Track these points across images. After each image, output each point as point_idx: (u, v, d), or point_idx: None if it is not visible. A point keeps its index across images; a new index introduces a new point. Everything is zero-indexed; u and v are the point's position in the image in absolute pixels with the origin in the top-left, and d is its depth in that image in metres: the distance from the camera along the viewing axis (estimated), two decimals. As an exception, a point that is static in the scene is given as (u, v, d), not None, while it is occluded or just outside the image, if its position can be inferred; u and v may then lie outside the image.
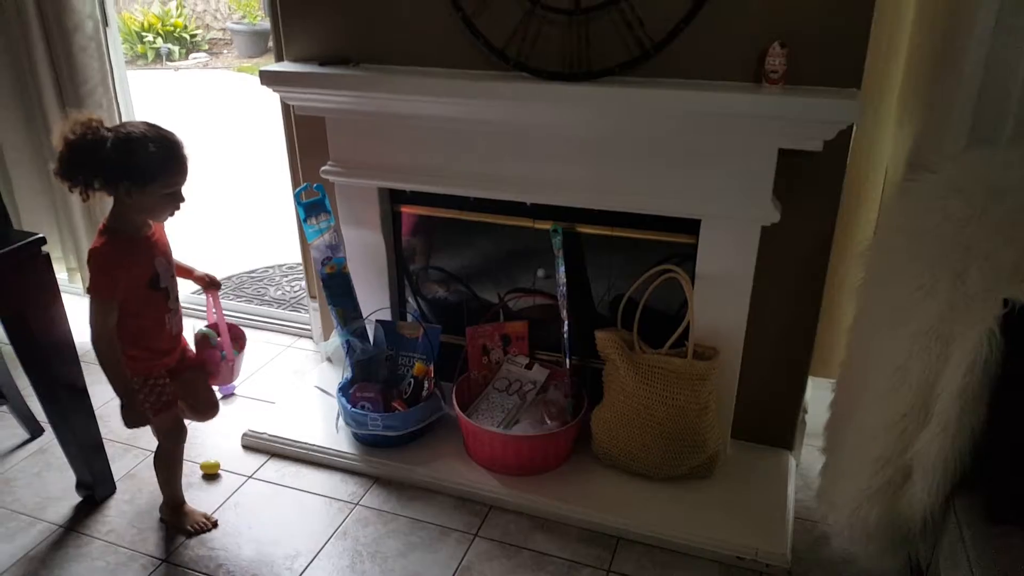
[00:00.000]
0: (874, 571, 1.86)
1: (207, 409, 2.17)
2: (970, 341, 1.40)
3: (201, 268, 2.13)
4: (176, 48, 9.46)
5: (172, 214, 1.86)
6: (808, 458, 2.25)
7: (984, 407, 1.42)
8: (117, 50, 2.86)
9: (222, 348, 2.12)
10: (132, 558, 1.99)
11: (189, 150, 1.81)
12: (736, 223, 1.98)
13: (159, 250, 1.91)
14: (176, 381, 2.02)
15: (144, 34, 9.29)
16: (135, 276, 1.84)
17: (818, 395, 2.22)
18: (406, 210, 2.39)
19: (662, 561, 1.95)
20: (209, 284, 2.13)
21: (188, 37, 9.63)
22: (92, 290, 1.80)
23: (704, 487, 2.12)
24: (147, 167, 1.73)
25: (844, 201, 1.97)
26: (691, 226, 2.04)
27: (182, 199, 1.84)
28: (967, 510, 1.47)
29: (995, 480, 1.46)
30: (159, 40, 9.35)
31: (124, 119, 2.92)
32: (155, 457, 2.08)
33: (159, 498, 2.19)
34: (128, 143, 1.71)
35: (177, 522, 2.09)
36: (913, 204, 1.67)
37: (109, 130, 1.73)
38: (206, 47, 9.87)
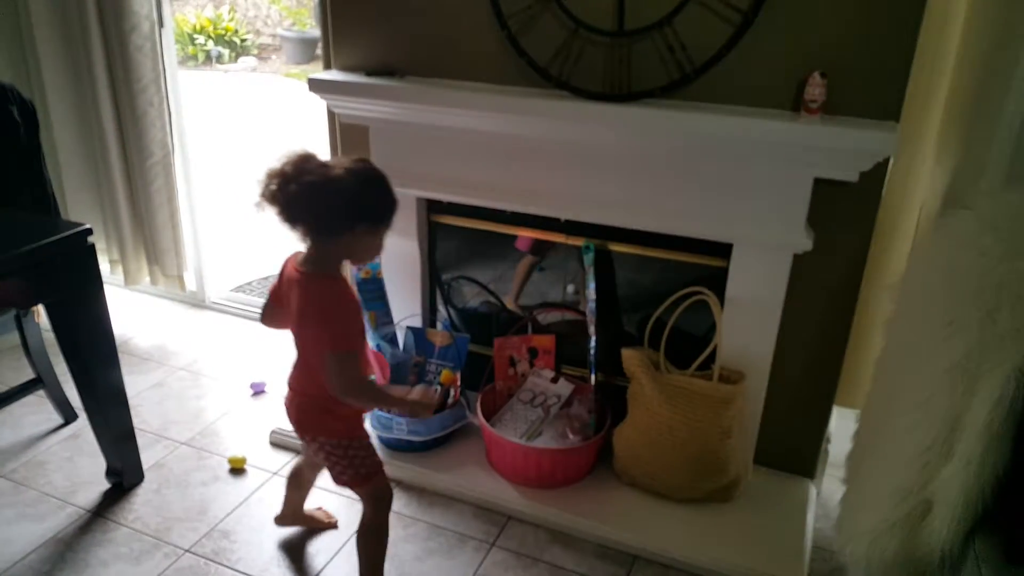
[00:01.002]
0: (890, 605, 1.85)
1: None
2: (997, 379, 1.39)
3: None
4: (226, 51, 9.66)
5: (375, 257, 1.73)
6: (829, 488, 2.24)
7: (1008, 445, 1.41)
8: (170, 51, 2.95)
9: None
10: (155, 546, 2.04)
11: None
12: (768, 249, 1.99)
13: None
14: None
15: (196, 36, 9.50)
16: (361, 325, 1.71)
17: (842, 425, 2.21)
18: (442, 220, 2.42)
19: (677, 582, 1.95)
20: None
21: (239, 41, 9.83)
22: (338, 343, 1.61)
23: (724, 511, 2.12)
24: (387, 205, 1.62)
25: (877, 233, 1.97)
26: (723, 250, 2.05)
27: None
28: (987, 548, 1.46)
29: (1016, 520, 1.44)
30: (210, 43, 9.55)
31: (174, 118, 3.00)
32: (361, 533, 1.82)
33: (187, 487, 2.24)
34: (370, 180, 1.60)
35: None
36: (947, 240, 1.67)
37: (331, 166, 1.58)
38: (255, 52, 10.06)
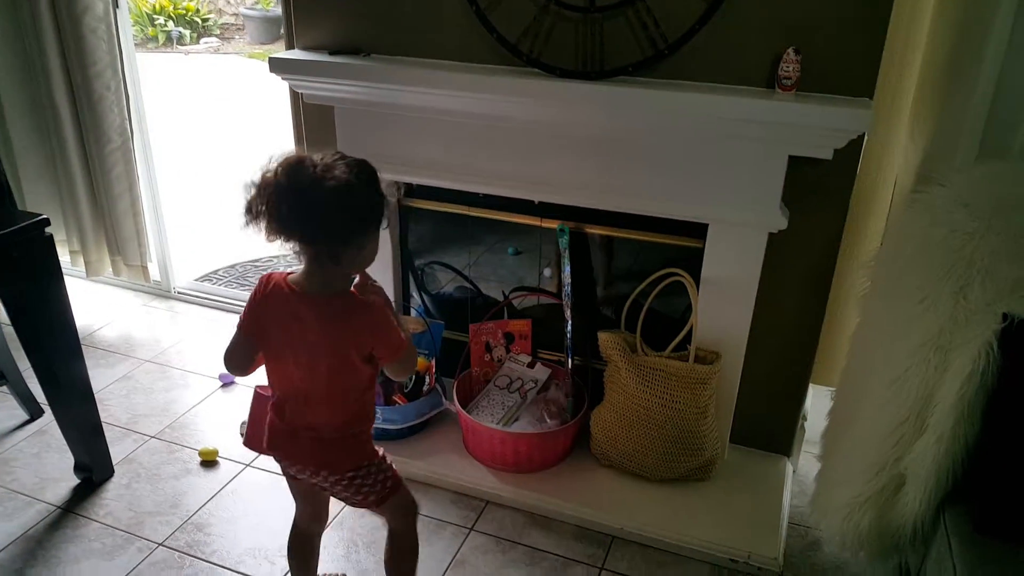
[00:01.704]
0: (865, 579, 1.88)
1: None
2: (968, 354, 1.41)
3: None
4: (187, 32, 9.45)
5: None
6: (806, 465, 2.26)
7: (979, 420, 1.43)
8: (127, 32, 2.86)
9: None
10: (128, 541, 2.00)
11: None
12: (743, 228, 1.98)
13: None
14: None
15: (155, 16, 9.27)
16: None
17: (818, 402, 2.22)
18: (413, 204, 2.39)
19: (655, 560, 1.96)
20: None
21: (200, 21, 9.61)
22: (401, 345, 1.48)
23: (700, 489, 2.13)
24: (384, 202, 1.44)
25: (852, 210, 1.97)
26: (698, 230, 2.04)
27: None
28: (956, 520, 1.48)
29: (985, 492, 1.47)
30: (170, 23, 9.33)
31: (133, 102, 2.91)
32: (395, 554, 1.66)
33: (158, 481, 2.20)
34: (372, 179, 1.41)
35: None
36: (920, 216, 1.67)
37: (331, 170, 1.35)
38: (218, 32, 9.85)
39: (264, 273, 1.50)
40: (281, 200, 1.33)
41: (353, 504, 1.59)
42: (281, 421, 1.53)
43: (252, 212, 1.36)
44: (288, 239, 1.37)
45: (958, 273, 1.50)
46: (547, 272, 2.37)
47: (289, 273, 1.47)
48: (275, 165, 1.36)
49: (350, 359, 1.45)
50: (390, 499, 1.59)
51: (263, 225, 1.36)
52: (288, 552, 1.75)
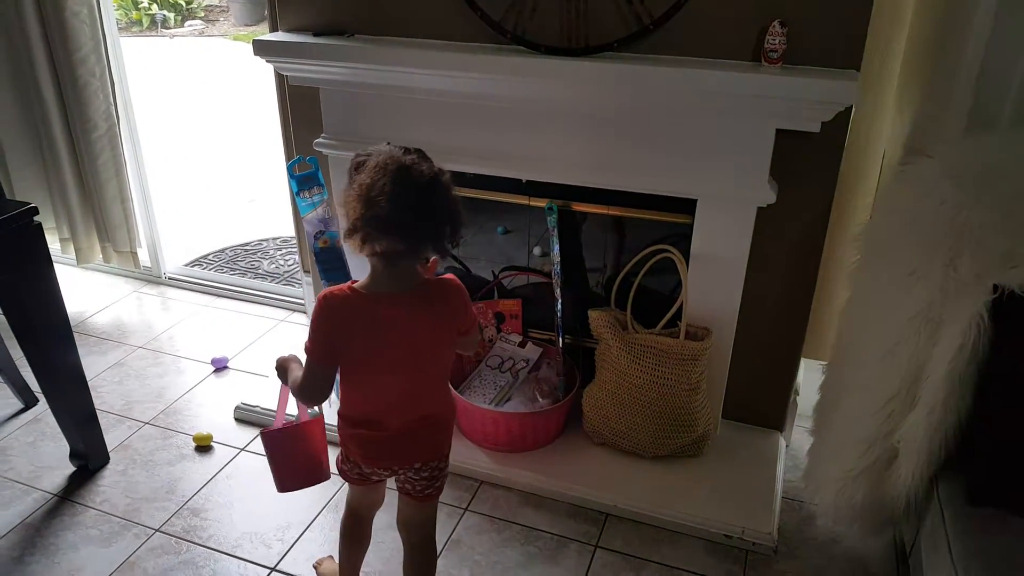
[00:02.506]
0: (859, 551, 1.90)
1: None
2: (959, 326, 1.41)
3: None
4: (172, 15, 9.35)
5: None
6: (798, 439, 2.27)
7: (970, 392, 1.43)
8: (110, 16, 2.82)
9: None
10: (125, 527, 2.01)
11: None
12: (732, 203, 1.97)
13: None
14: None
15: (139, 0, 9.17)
16: None
17: (810, 377, 2.23)
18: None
19: (650, 537, 1.97)
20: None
21: (184, 3, 9.51)
22: (475, 315, 1.54)
23: (693, 466, 2.14)
24: None
25: (841, 184, 1.96)
26: (687, 206, 2.03)
27: None
28: (949, 492, 1.49)
29: (977, 463, 1.47)
30: (155, 6, 9.23)
31: (118, 87, 2.88)
32: (431, 538, 1.70)
33: (153, 467, 2.21)
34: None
35: None
36: (909, 188, 1.67)
37: (427, 166, 1.37)
38: (202, 14, 9.76)
39: (321, 294, 1.43)
40: (405, 206, 1.31)
41: (421, 495, 1.57)
42: (385, 431, 1.49)
43: (366, 224, 1.32)
44: (405, 243, 1.34)
45: (948, 245, 1.49)
46: (536, 251, 2.36)
47: (352, 284, 1.43)
48: (376, 174, 1.32)
49: (449, 339, 1.49)
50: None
51: (366, 235, 1.33)
52: (346, 535, 1.73)
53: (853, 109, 1.86)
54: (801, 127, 1.81)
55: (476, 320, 1.54)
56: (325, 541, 1.95)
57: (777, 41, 1.75)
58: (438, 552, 1.92)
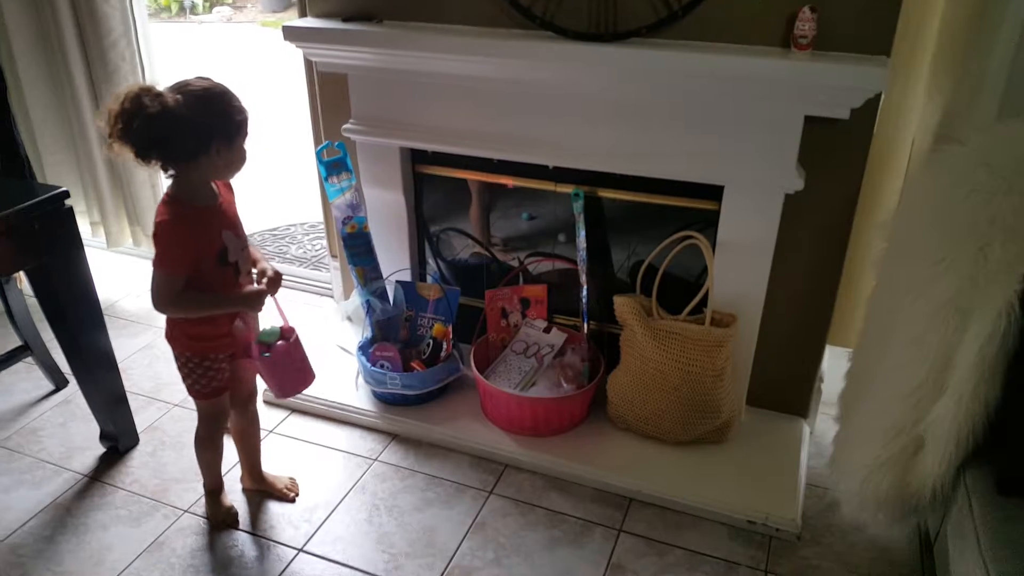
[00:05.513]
0: (883, 539, 1.89)
1: (243, 402, 1.97)
2: (988, 315, 1.40)
3: (265, 260, 1.87)
4: (200, 1, 9.40)
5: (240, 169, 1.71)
6: (822, 426, 2.26)
7: (999, 381, 1.42)
8: (140, 2, 2.85)
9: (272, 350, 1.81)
10: (154, 508, 2.05)
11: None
12: (759, 190, 1.96)
13: (227, 222, 1.74)
14: (232, 365, 1.86)
15: (167, -14, 9.23)
16: (203, 249, 1.68)
17: (835, 364, 2.22)
18: (428, 171, 2.38)
19: (673, 522, 1.98)
20: (271, 281, 1.79)
21: (212, -10, 9.56)
22: (157, 263, 1.65)
23: (717, 452, 2.14)
24: (235, 118, 1.62)
25: (869, 170, 1.94)
26: (714, 192, 2.03)
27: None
28: (976, 482, 1.48)
29: (1005, 453, 1.46)
30: (183, -8, 9.29)
31: (147, 73, 2.91)
32: (195, 440, 1.94)
33: (182, 448, 2.24)
34: (211, 99, 1.59)
35: (208, 510, 2.02)
36: (939, 176, 1.65)
37: (170, 92, 1.56)
38: (230, 1, 9.79)
39: None
40: (128, 125, 1.53)
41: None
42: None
43: (113, 136, 1.56)
44: (141, 159, 1.60)
45: (979, 233, 1.48)
46: (562, 237, 2.36)
47: None
48: (123, 96, 1.54)
49: None
50: (206, 400, 1.85)
51: (126, 149, 1.58)
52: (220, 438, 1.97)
53: (883, 96, 1.84)
54: (830, 114, 1.80)
55: (158, 270, 1.67)
56: (352, 522, 1.98)
57: (807, 27, 1.73)
58: (464, 535, 1.94)
